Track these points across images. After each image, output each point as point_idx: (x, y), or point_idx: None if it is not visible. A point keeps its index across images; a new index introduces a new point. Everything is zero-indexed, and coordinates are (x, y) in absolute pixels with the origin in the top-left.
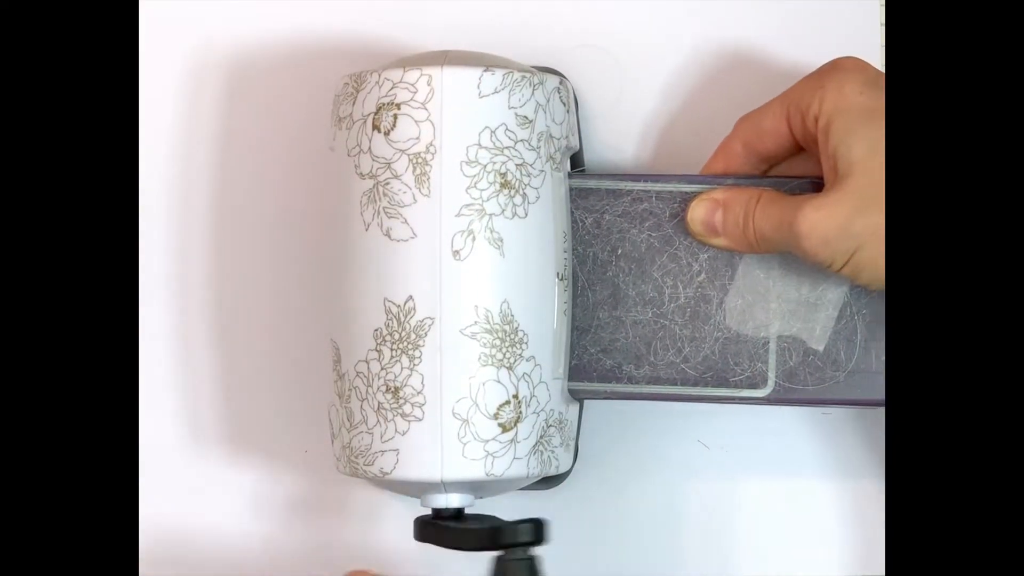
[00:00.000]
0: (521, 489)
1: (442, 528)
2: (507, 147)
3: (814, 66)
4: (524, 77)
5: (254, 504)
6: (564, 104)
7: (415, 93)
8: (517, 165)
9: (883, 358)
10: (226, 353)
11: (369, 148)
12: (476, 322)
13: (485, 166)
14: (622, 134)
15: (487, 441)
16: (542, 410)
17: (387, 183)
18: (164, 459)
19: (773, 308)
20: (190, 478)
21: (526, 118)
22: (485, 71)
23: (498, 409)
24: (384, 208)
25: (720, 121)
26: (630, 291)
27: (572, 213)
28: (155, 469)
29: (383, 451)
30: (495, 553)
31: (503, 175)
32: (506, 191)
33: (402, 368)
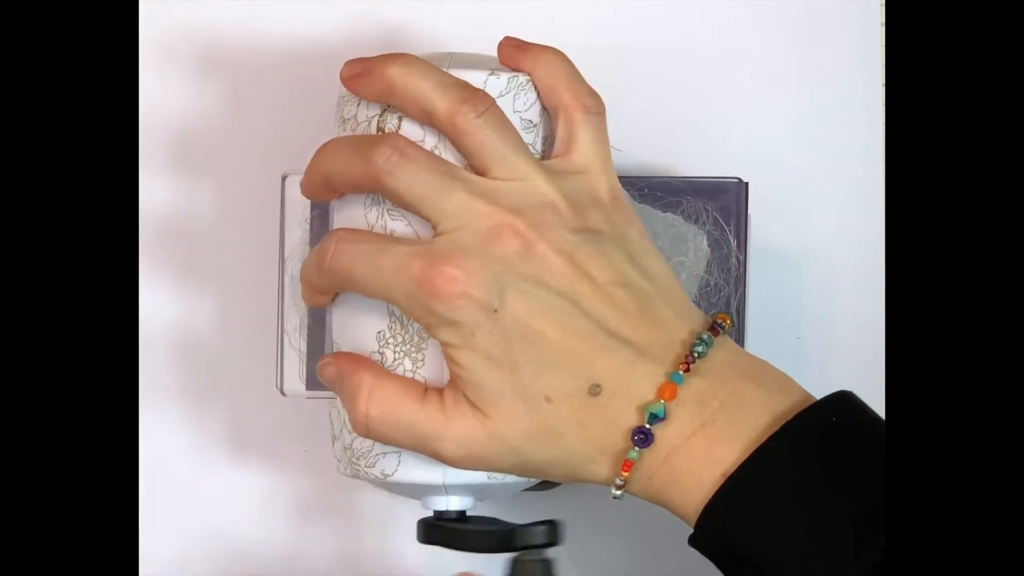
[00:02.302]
0: (521, 491)
1: (452, 530)
2: None
3: (814, 66)
4: (528, 81)
5: (256, 506)
6: None
7: None
8: None
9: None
10: (227, 353)
11: None
12: None
13: None
14: (622, 134)
15: None
16: None
17: None
18: (164, 460)
19: None
20: (190, 480)
21: (531, 122)
22: (490, 74)
23: None
24: (388, 210)
25: (720, 121)
26: None
27: None
28: (155, 470)
29: (385, 453)
30: (510, 555)
31: None
32: None
33: (405, 371)
